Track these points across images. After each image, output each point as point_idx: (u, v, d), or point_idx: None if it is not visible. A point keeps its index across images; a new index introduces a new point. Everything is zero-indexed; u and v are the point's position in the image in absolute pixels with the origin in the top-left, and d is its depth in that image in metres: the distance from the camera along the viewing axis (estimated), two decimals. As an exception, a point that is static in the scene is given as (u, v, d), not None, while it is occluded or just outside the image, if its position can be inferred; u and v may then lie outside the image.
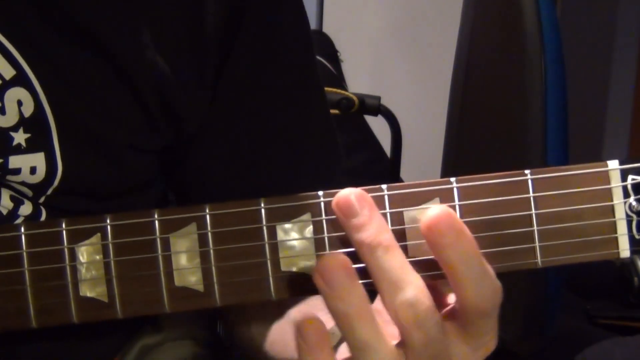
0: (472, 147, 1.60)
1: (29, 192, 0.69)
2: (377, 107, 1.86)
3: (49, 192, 0.70)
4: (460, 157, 1.65)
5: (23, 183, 0.69)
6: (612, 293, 1.80)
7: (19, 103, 0.67)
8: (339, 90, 1.85)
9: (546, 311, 1.37)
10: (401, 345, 0.54)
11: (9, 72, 0.66)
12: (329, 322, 0.63)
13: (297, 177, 0.77)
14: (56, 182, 0.69)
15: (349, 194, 0.53)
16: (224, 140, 0.76)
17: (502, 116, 1.46)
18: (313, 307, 0.57)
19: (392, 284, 0.52)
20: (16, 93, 0.67)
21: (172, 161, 0.78)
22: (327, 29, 2.71)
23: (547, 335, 1.39)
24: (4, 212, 0.69)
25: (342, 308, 0.51)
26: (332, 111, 1.77)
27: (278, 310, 0.75)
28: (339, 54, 2.46)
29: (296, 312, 0.73)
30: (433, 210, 0.52)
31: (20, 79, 0.67)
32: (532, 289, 1.35)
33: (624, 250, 0.54)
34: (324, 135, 0.81)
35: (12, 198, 0.69)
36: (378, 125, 2.16)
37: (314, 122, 0.80)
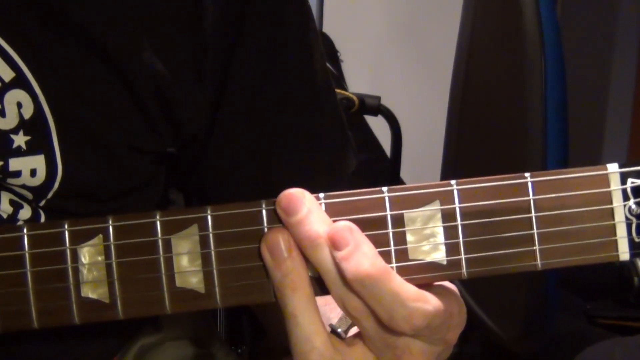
0: (472, 147, 1.60)
1: (29, 195, 0.69)
2: (377, 107, 1.87)
3: (50, 195, 0.69)
4: (460, 157, 1.65)
5: (23, 186, 0.68)
6: (612, 293, 1.80)
7: (19, 105, 0.67)
8: (339, 90, 1.84)
9: (546, 311, 1.38)
10: (359, 335, 0.55)
11: (8, 74, 0.66)
12: (335, 318, 0.64)
13: (308, 177, 0.78)
14: (56, 185, 0.69)
15: (289, 192, 0.55)
16: (235, 141, 0.76)
17: (502, 116, 1.46)
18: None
19: (337, 276, 0.53)
20: (16, 95, 0.67)
21: (185, 166, 0.78)
22: (327, 29, 2.70)
23: (547, 335, 1.39)
24: (4, 216, 0.69)
25: (279, 277, 0.54)
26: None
27: None
28: (339, 54, 2.46)
29: (318, 300, 0.73)
30: (339, 222, 0.54)
31: (19, 81, 0.66)
32: (532, 289, 1.36)
33: (624, 253, 0.54)
34: (333, 133, 0.81)
35: (11, 202, 0.69)
36: (378, 125, 2.16)
37: (323, 120, 0.80)
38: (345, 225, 0.53)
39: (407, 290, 0.53)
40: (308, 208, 0.54)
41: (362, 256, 0.52)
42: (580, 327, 1.74)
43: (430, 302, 0.53)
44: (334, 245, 0.53)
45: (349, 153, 0.82)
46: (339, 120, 0.82)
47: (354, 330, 0.58)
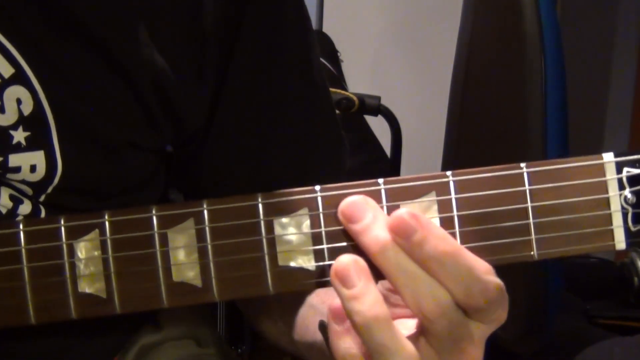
0: (472, 147, 1.60)
1: (29, 191, 0.69)
2: (377, 107, 1.87)
3: (49, 190, 0.70)
4: (460, 157, 1.64)
5: (23, 181, 0.69)
6: (612, 293, 1.80)
7: (18, 101, 0.67)
8: (339, 90, 1.85)
9: (546, 311, 1.37)
10: (417, 334, 0.55)
11: (7, 71, 0.66)
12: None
13: (305, 175, 0.78)
14: (56, 180, 0.69)
15: (351, 200, 0.54)
16: (232, 137, 0.76)
17: (502, 116, 1.46)
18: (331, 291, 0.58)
19: (412, 278, 0.53)
20: (15, 91, 0.67)
21: (183, 161, 0.78)
22: (327, 29, 2.71)
23: (547, 335, 1.39)
24: (3, 211, 0.69)
25: (357, 308, 0.52)
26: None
27: (299, 299, 0.75)
28: (339, 54, 2.46)
29: (314, 297, 0.73)
30: (399, 211, 0.53)
31: (19, 77, 0.67)
32: (532, 289, 1.35)
33: (620, 243, 0.54)
34: (329, 132, 0.81)
35: (11, 197, 0.69)
36: (378, 125, 2.16)
37: (320, 118, 0.80)
38: (406, 213, 0.53)
39: (480, 264, 0.53)
40: (373, 214, 0.54)
41: (436, 238, 0.52)
42: (580, 327, 1.74)
43: (496, 276, 0.54)
44: (403, 234, 0.52)
45: (344, 152, 0.82)
46: (334, 120, 0.82)
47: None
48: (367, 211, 0.54)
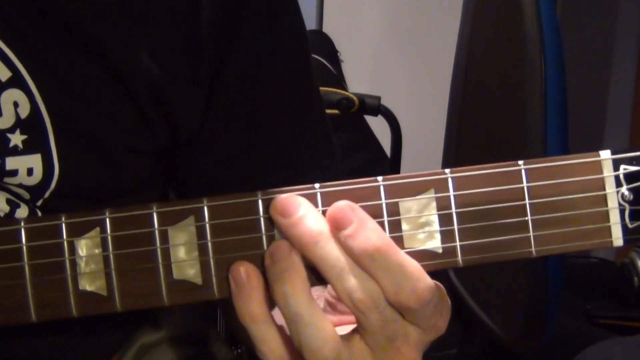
0: (472, 147, 1.60)
1: (26, 195, 0.70)
2: (377, 107, 1.87)
3: (47, 195, 0.70)
4: (460, 158, 1.65)
5: (20, 185, 0.69)
6: (612, 293, 1.80)
7: (15, 104, 0.67)
8: (339, 90, 1.85)
9: (546, 311, 1.37)
10: (356, 331, 0.55)
11: (4, 74, 0.66)
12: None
13: (295, 181, 0.78)
14: (53, 184, 0.69)
15: (285, 196, 0.55)
16: (223, 142, 0.76)
17: (502, 116, 1.46)
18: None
19: (341, 270, 0.53)
20: (12, 94, 0.67)
21: (173, 163, 0.78)
22: (327, 29, 2.71)
23: (547, 335, 1.39)
24: (1, 215, 0.69)
25: (277, 270, 0.53)
26: (332, 111, 1.77)
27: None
28: (339, 54, 2.47)
29: None
30: (338, 202, 0.54)
31: (16, 81, 0.67)
32: (532, 289, 1.35)
33: (617, 239, 0.54)
34: (321, 139, 0.81)
35: (8, 201, 0.70)
36: (378, 125, 2.16)
37: (312, 122, 0.81)
38: (345, 204, 0.53)
39: (411, 263, 0.53)
40: (305, 208, 0.54)
41: (369, 231, 0.53)
42: (580, 327, 1.74)
43: (429, 277, 0.54)
44: (338, 225, 0.53)
45: (336, 160, 0.83)
46: (326, 127, 0.82)
47: None
48: (300, 205, 0.54)
